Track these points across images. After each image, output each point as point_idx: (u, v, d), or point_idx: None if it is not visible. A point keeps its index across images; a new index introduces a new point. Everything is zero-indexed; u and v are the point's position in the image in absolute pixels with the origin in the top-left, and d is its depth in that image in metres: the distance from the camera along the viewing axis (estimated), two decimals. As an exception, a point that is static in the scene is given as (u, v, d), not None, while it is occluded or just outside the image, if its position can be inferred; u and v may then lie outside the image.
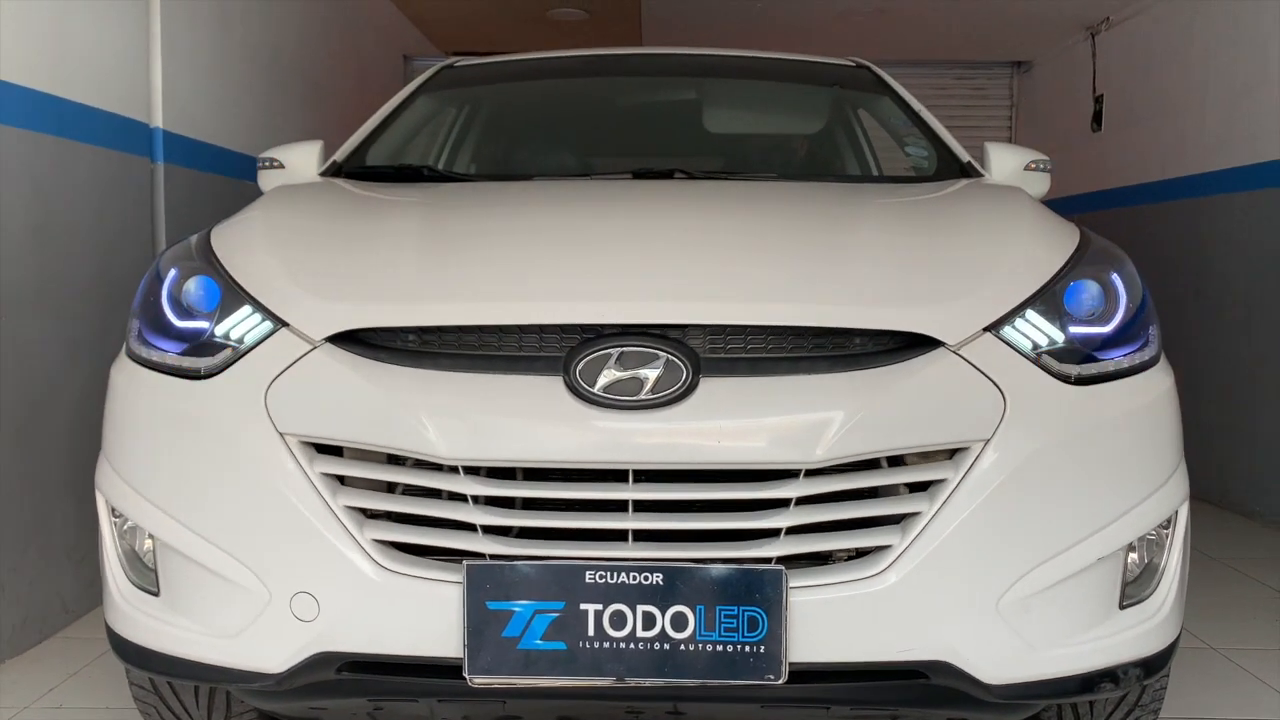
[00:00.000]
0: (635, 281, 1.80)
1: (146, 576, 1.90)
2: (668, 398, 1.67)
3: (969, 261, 1.92)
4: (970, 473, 1.71)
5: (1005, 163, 2.94)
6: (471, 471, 1.70)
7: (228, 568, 1.75)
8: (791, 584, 1.67)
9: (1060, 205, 6.52)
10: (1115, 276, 1.99)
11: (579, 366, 1.69)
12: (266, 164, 2.96)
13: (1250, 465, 4.77)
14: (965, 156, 2.95)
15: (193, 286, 1.97)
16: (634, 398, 1.67)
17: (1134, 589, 1.88)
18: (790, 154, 3.57)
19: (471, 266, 1.87)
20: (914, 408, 1.70)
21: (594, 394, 1.67)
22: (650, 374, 1.68)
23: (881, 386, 1.70)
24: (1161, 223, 5.57)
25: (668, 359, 1.69)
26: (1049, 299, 1.87)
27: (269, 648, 1.75)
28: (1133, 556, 1.87)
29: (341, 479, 1.75)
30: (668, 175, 2.67)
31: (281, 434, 1.73)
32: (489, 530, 1.70)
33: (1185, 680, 2.85)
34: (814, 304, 1.76)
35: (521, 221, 2.11)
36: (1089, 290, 1.95)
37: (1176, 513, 1.91)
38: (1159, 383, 1.91)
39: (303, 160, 2.89)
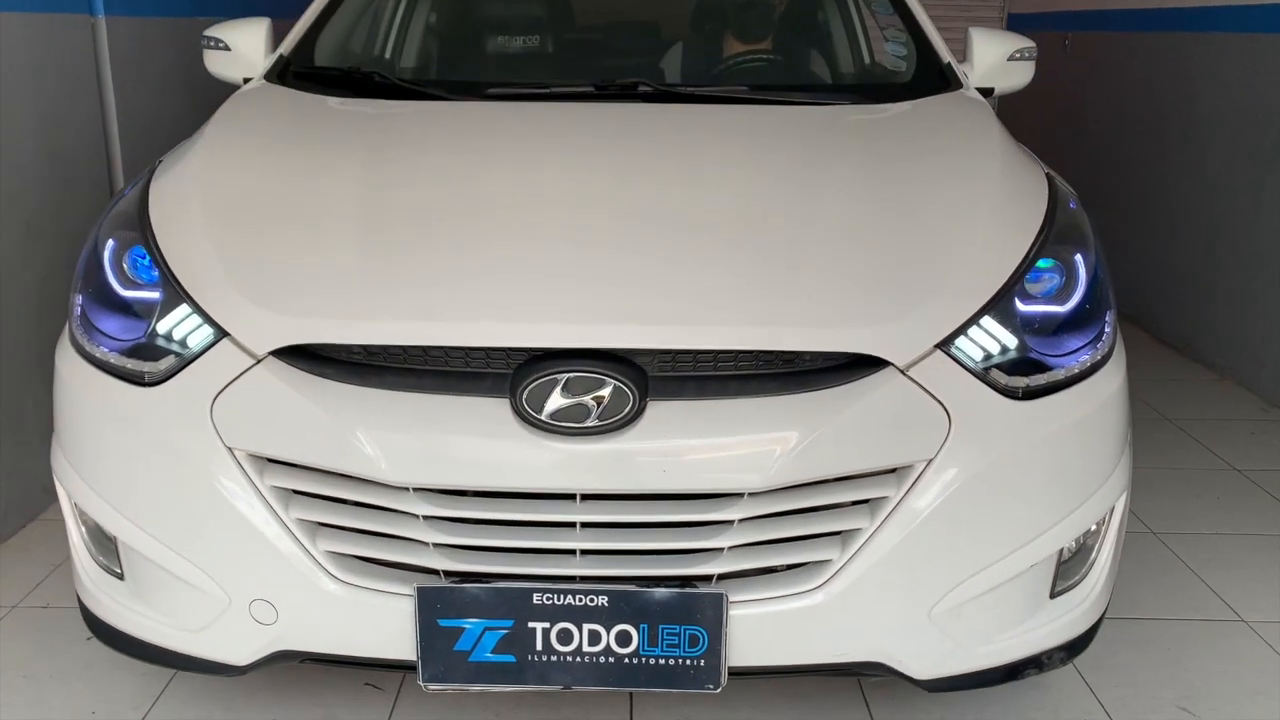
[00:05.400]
0: (583, 302, 1.76)
1: (110, 557, 1.95)
2: (614, 424, 1.68)
3: (927, 267, 1.87)
4: (911, 490, 1.74)
5: (988, 53, 2.85)
6: (422, 489, 1.72)
7: (185, 571, 1.80)
8: (732, 598, 1.73)
9: (1049, 20, 6.26)
10: (1078, 257, 1.96)
11: (525, 393, 1.68)
12: (211, 44, 2.85)
13: (1217, 317, 4.82)
14: (946, 57, 2.82)
15: (133, 258, 1.93)
16: (580, 425, 1.68)
17: (1065, 577, 1.95)
18: (768, 27, 3.37)
19: (419, 279, 1.82)
20: (860, 431, 1.72)
21: (541, 420, 1.68)
22: (596, 401, 1.68)
23: (828, 410, 1.71)
24: (1151, 56, 5.36)
25: (615, 385, 1.68)
26: (1006, 303, 1.85)
27: (231, 644, 1.82)
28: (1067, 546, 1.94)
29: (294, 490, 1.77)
30: (631, 90, 2.56)
31: (229, 448, 1.74)
32: (440, 546, 1.74)
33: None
34: (762, 326, 1.74)
35: (474, 224, 2.00)
36: (1051, 271, 1.94)
37: (1114, 505, 1.96)
38: (1110, 381, 1.91)
39: (249, 44, 2.80)
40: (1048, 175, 2.23)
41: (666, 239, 1.93)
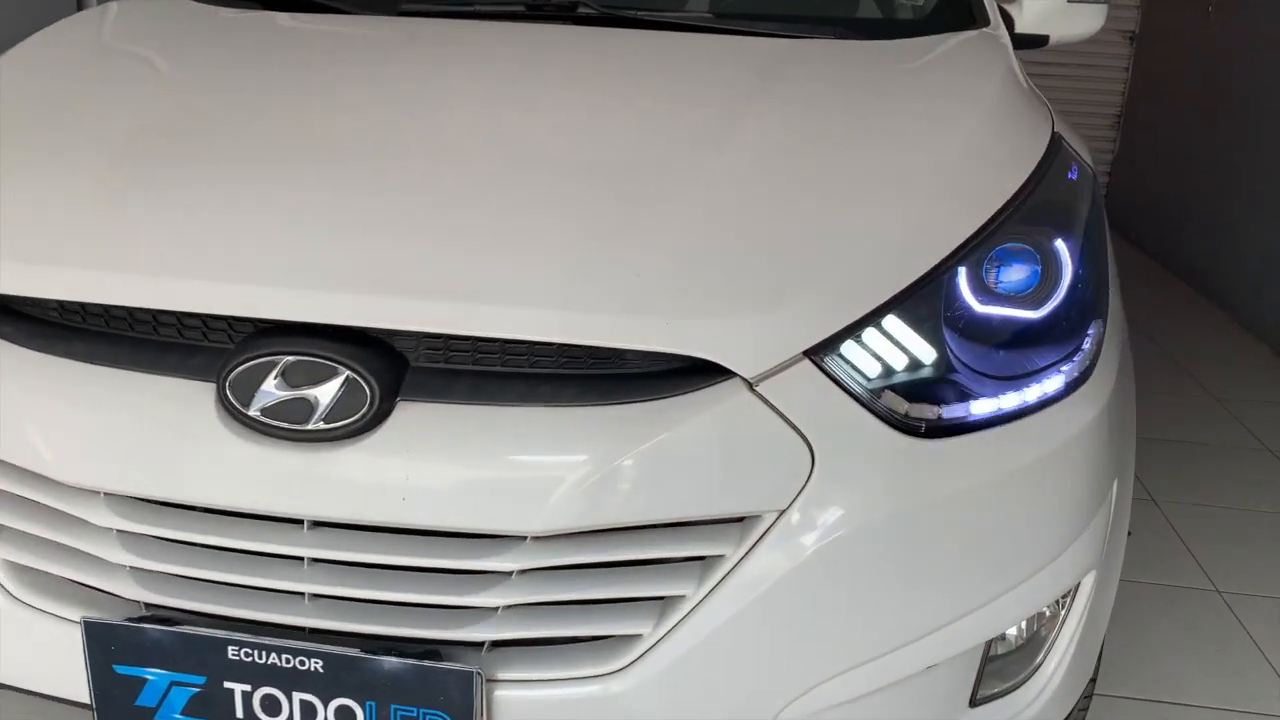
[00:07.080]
0: (326, 260, 1.31)
1: None
2: (342, 430, 1.24)
3: (820, 246, 1.36)
4: (755, 550, 1.26)
5: None
6: (115, 496, 1.32)
7: None
8: (496, 677, 1.28)
9: None
10: (1058, 244, 1.44)
11: (231, 377, 1.25)
12: None
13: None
14: (979, -12, 2.26)
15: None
16: (300, 427, 1.24)
17: (999, 677, 1.43)
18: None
19: (136, 222, 1.40)
20: (684, 464, 1.24)
21: (247, 415, 1.25)
22: (323, 395, 1.24)
23: (641, 431, 1.23)
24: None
25: (349, 377, 1.24)
26: (923, 301, 1.33)
27: (-95, 656, 1.47)
28: (1009, 631, 1.43)
29: (-31, 480, 1.39)
30: (570, 10, 2.11)
31: (-106, 420, 1.37)
32: (137, 571, 1.34)
33: (1167, 633, 2.40)
34: (563, 310, 1.26)
35: (256, 162, 1.54)
36: (1018, 260, 1.43)
37: (1078, 584, 1.43)
38: (1076, 418, 1.38)
39: None
40: (1054, 135, 1.69)
41: (482, 188, 1.44)
